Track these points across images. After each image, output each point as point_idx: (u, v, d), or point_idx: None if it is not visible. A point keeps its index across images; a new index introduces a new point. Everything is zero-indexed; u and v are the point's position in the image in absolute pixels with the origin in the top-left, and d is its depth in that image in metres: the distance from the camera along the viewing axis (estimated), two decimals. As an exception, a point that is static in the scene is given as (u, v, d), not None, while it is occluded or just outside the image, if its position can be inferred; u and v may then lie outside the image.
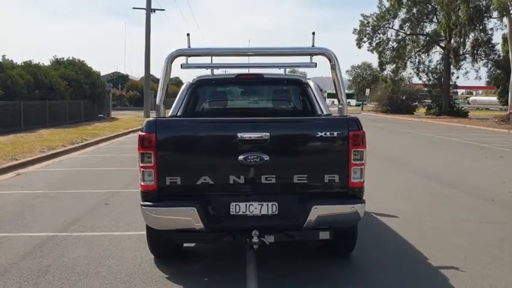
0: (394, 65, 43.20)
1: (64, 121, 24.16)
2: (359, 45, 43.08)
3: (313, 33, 4.59)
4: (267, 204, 4.17)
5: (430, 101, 45.76)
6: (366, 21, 42.68)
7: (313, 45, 4.58)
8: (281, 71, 5.79)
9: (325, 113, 5.42)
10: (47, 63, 28.87)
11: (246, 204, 4.16)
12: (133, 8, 34.62)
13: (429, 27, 43.09)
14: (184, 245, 5.38)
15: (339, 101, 4.71)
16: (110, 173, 10.82)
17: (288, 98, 6.23)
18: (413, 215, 7.04)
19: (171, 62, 4.49)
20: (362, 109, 56.65)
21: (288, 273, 4.78)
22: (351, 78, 76.89)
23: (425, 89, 47.56)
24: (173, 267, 4.92)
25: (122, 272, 4.77)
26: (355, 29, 43.30)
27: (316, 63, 6.14)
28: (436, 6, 38.74)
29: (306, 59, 5.65)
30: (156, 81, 51.01)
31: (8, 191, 8.95)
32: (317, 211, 4.02)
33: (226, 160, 4.13)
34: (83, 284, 4.48)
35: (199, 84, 6.02)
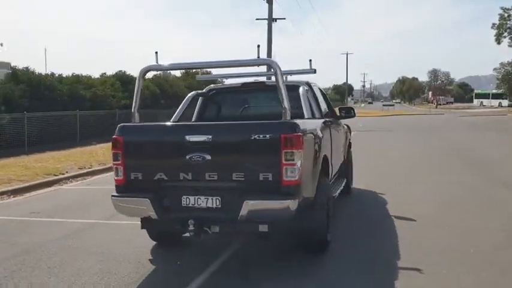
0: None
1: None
2: (498, 41, 39.65)
3: (258, 46, 5.00)
4: (212, 199, 4.71)
5: None
6: (506, 15, 39.04)
7: (258, 57, 5.00)
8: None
9: (306, 116, 5.79)
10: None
11: (194, 198, 4.75)
12: (256, 19, 36.29)
13: None
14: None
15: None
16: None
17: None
18: (437, 220, 6.83)
19: (143, 77, 5.30)
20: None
21: (254, 265, 5.25)
22: (500, 76, 69.99)
23: None
24: (164, 253, 5.70)
25: (119, 252, 5.66)
26: (493, 24, 39.87)
27: (315, 69, 6.52)
28: None
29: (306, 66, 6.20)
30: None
31: (94, 187, 10.64)
32: (247, 205, 4.44)
33: (177, 159, 4.76)
34: (83, 260, 5.44)
35: (209, 94, 6.74)
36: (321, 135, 5.59)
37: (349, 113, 8.14)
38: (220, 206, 4.70)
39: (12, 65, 21.07)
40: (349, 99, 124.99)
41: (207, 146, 4.63)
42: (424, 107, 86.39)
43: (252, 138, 4.53)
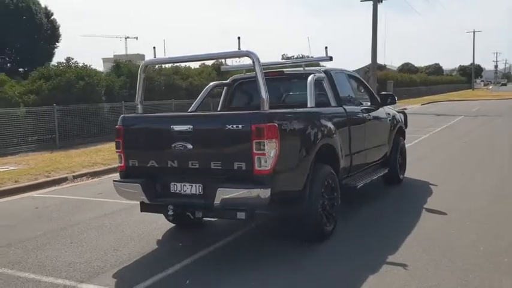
0: None
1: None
2: None
3: (239, 38, 5.10)
4: (195, 186, 4.96)
5: None
6: None
7: (239, 49, 5.07)
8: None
9: (309, 105, 5.76)
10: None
11: (181, 184, 5.05)
12: (361, 0, 35.12)
13: None
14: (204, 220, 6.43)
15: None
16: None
17: (303, 91, 6.52)
18: (470, 216, 6.35)
19: (144, 71, 5.69)
20: None
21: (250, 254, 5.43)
22: None
23: None
24: (175, 234, 6.12)
25: (138, 232, 6.18)
26: None
27: (331, 57, 6.45)
28: None
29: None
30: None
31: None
32: (220, 193, 4.61)
33: (165, 148, 5.07)
34: (103, 238, 6.03)
35: (233, 84, 6.96)
36: (319, 123, 5.52)
37: (393, 99, 7.87)
38: (202, 192, 4.94)
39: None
40: (477, 80, 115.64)
41: (188, 135, 4.90)
42: None
43: (226, 128, 4.69)
